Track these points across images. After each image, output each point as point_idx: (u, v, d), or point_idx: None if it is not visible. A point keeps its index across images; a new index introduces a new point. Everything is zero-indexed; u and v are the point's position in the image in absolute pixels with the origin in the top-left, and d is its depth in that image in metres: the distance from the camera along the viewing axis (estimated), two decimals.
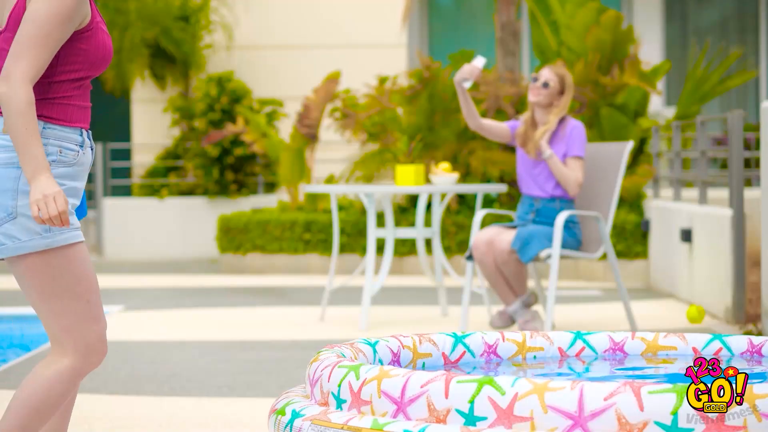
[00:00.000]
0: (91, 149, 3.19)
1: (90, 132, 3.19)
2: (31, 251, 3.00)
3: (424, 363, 3.70)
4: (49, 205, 2.90)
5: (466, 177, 10.98)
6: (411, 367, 3.67)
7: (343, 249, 11.22)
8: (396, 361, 3.61)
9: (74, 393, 3.22)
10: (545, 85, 6.89)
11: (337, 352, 3.34)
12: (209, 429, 4.71)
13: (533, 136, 6.94)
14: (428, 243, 10.66)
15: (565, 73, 6.93)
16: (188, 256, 13.45)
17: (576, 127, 6.92)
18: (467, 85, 6.77)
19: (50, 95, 3.06)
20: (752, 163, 11.74)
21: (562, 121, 6.97)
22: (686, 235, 8.57)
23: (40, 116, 3.04)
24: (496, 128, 7.04)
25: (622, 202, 10.67)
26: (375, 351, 3.55)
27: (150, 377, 5.87)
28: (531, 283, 8.25)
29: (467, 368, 3.68)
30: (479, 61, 6.81)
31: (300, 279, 11.02)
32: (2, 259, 3.06)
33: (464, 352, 3.76)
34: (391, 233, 7.81)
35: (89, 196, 14.60)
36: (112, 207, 13.60)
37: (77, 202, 3.12)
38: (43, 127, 3.04)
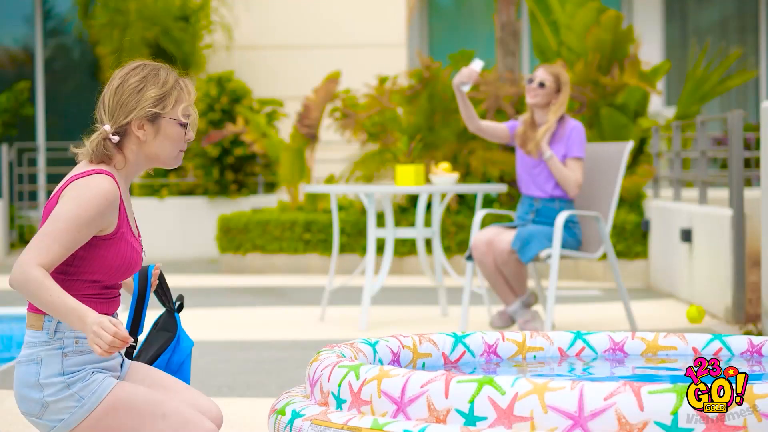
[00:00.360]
0: (138, 329, 3.32)
1: (115, 314, 3.27)
2: (79, 422, 3.14)
3: (424, 363, 3.70)
4: (102, 336, 2.97)
5: (466, 177, 10.98)
6: (411, 367, 3.66)
7: (343, 249, 11.22)
8: (396, 361, 3.61)
9: None
10: (541, 85, 6.89)
11: (337, 352, 3.34)
12: None
13: (533, 137, 6.94)
14: (428, 243, 10.66)
15: (560, 71, 6.93)
16: (188, 256, 13.45)
17: (576, 127, 6.92)
18: (466, 88, 6.77)
19: (66, 290, 3.13)
20: (752, 163, 11.74)
21: (561, 121, 6.96)
22: (686, 235, 8.57)
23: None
24: (494, 129, 7.04)
25: (622, 202, 10.66)
26: (375, 351, 3.55)
27: None
28: (531, 283, 8.25)
29: (467, 368, 3.68)
30: (477, 65, 6.81)
31: (300, 279, 11.02)
32: None
33: (464, 352, 3.76)
34: (391, 233, 7.81)
35: None
36: None
37: (116, 373, 3.25)
38: (58, 322, 3.14)
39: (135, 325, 3.40)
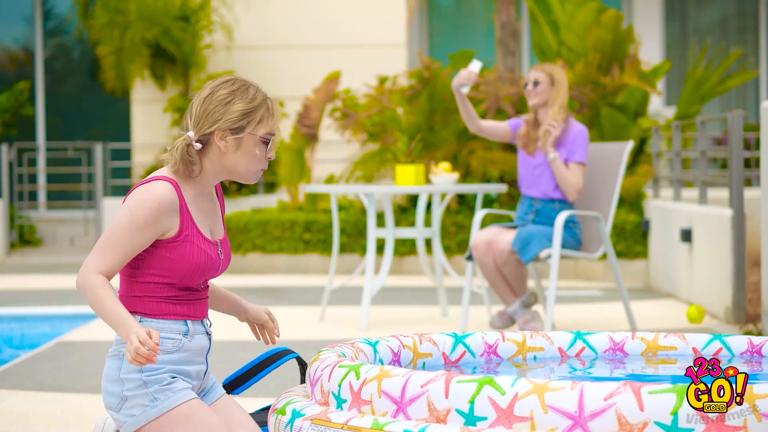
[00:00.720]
0: (206, 335, 3.38)
1: (204, 320, 3.36)
2: (147, 421, 3.25)
3: (424, 363, 3.70)
4: (133, 344, 3.08)
5: (466, 177, 10.99)
6: (411, 367, 3.67)
7: (343, 249, 11.22)
8: (396, 360, 3.61)
9: None
10: (535, 83, 6.90)
11: (337, 352, 3.35)
12: None
13: (536, 137, 6.94)
14: (428, 243, 10.66)
15: (551, 68, 6.95)
16: None
17: (580, 132, 6.92)
18: (465, 90, 6.77)
19: (137, 293, 3.28)
20: (752, 163, 11.74)
21: (565, 122, 6.96)
22: (686, 235, 8.57)
23: (133, 312, 3.27)
24: (495, 128, 7.04)
25: (622, 202, 10.67)
26: (375, 351, 3.56)
27: None
28: (531, 283, 8.25)
29: (467, 368, 3.68)
30: (475, 66, 6.81)
31: (300, 279, 11.02)
32: None
33: (464, 352, 3.77)
34: (391, 233, 7.81)
35: (89, 196, 14.61)
36: (112, 207, 13.59)
37: (197, 383, 3.37)
38: (139, 320, 3.27)
39: (240, 381, 3.66)
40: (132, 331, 3.07)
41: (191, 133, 3.27)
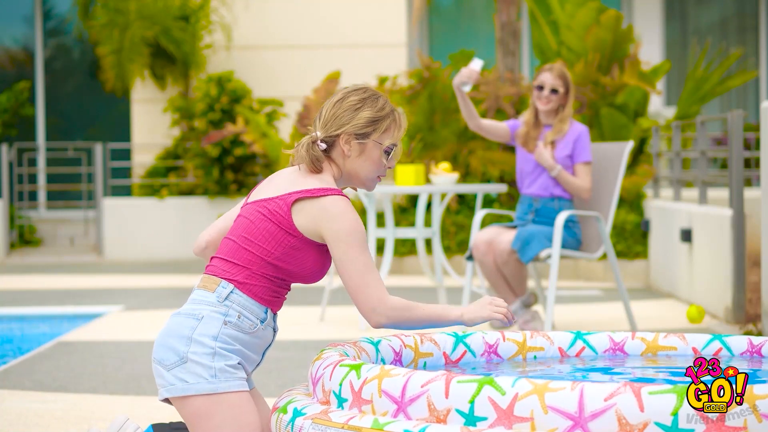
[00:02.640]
0: (274, 330, 3.44)
1: (276, 315, 3.45)
2: (197, 393, 3.26)
3: (425, 362, 3.70)
4: (498, 303, 3.30)
5: (466, 177, 10.99)
6: (413, 366, 3.67)
7: None
8: (398, 360, 3.62)
9: None
10: (554, 91, 6.88)
11: (340, 351, 3.35)
12: None
13: (535, 136, 6.95)
14: (428, 243, 10.66)
15: (565, 73, 6.94)
16: (188, 256, 13.44)
17: (582, 132, 6.92)
18: (467, 88, 6.77)
19: (250, 266, 3.35)
20: (752, 163, 11.74)
21: (560, 120, 6.97)
22: (686, 235, 8.57)
23: (233, 280, 3.34)
24: (495, 128, 7.04)
25: (622, 202, 10.67)
26: (378, 350, 3.56)
27: (150, 377, 5.87)
28: (531, 283, 8.25)
29: (468, 368, 3.68)
30: (476, 64, 6.81)
31: None
32: (168, 401, 3.34)
33: (465, 351, 3.77)
34: (391, 233, 7.81)
35: (89, 196, 14.62)
36: (112, 207, 13.60)
37: (249, 368, 3.41)
38: (231, 291, 3.33)
39: None
40: (472, 307, 3.29)
41: (317, 133, 3.38)
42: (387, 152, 3.41)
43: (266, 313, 3.39)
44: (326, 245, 3.36)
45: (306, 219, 3.31)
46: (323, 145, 3.37)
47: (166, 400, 3.37)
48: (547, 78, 6.90)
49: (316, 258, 3.38)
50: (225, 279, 3.33)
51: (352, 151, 3.38)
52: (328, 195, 3.32)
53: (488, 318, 3.29)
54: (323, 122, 3.40)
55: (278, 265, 3.35)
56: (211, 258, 3.42)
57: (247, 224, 3.36)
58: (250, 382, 3.50)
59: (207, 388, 3.26)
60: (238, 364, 3.33)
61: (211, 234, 3.58)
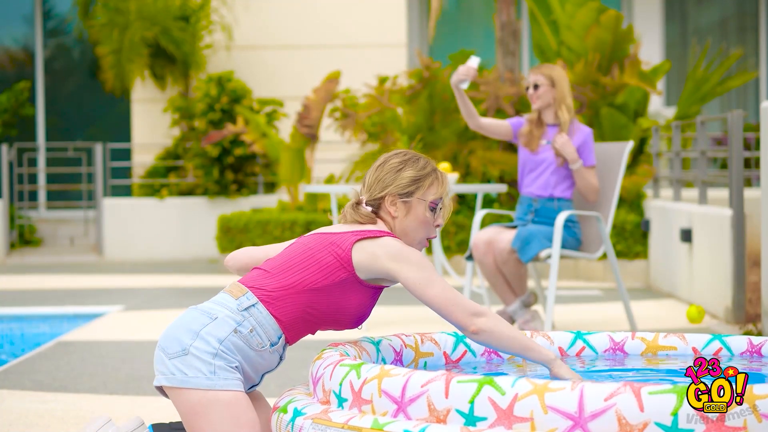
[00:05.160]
0: (280, 358, 3.47)
1: (287, 346, 3.47)
2: (194, 387, 3.29)
3: (426, 362, 3.70)
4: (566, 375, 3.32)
5: (466, 177, 10.98)
6: (413, 366, 3.67)
7: None
8: (399, 359, 3.62)
9: None
10: (536, 87, 6.90)
11: (340, 350, 3.35)
12: None
13: (539, 135, 6.94)
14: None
15: (550, 69, 6.95)
16: (188, 256, 13.44)
17: (588, 135, 6.92)
18: (464, 86, 6.76)
19: (288, 291, 3.38)
20: (752, 163, 11.75)
21: (570, 122, 6.96)
22: (686, 235, 8.57)
23: (262, 294, 3.38)
24: (496, 126, 7.03)
25: (622, 202, 10.67)
26: (378, 350, 3.56)
27: (150, 377, 5.87)
28: (531, 283, 8.25)
29: (468, 368, 3.68)
30: (474, 61, 6.80)
31: None
32: (162, 391, 3.38)
33: (465, 351, 3.77)
34: None
35: (89, 196, 14.62)
36: (112, 207, 13.60)
37: (249, 384, 3.44)
38: (254, 304, 3.37)
39: None
40: (560, 362, 3.31)
41: (362, 197, 3.50)
42: (432, 209, 3.48)
43: (279, 339, 3.41)
44: (373, 292, 3.42)
45: (365, 256, 3.37)
46: (368, 208, 3.47)
47: (160, 390, 3.39)
48: (530, 77, 6.95)
49: (358, 302, 3.42)
50: (253, 291, 3.38)
51: (398, 211, 3.46)
52: (387, 236, 3.40)
53: (569, 378, 3.29)
54: (367, 186, 3.50)
55: (316, 298, 3.38)
56: (253, 268, 3.49)
57: (303, 249, 3.42)
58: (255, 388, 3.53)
59: (205, 384, 3.28)
60: (238, 370, 3.36)
61: (243, 259, 3.68)
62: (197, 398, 3.29)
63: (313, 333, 3.47)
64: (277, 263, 3.43)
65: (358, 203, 3.49)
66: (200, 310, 3.38)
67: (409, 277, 3.33)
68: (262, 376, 3.47)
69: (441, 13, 11.99)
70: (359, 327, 3.52)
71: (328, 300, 3.39)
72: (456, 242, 11.01)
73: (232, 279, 11.12)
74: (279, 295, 3.37)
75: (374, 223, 3.47)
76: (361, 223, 3.48)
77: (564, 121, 6.90)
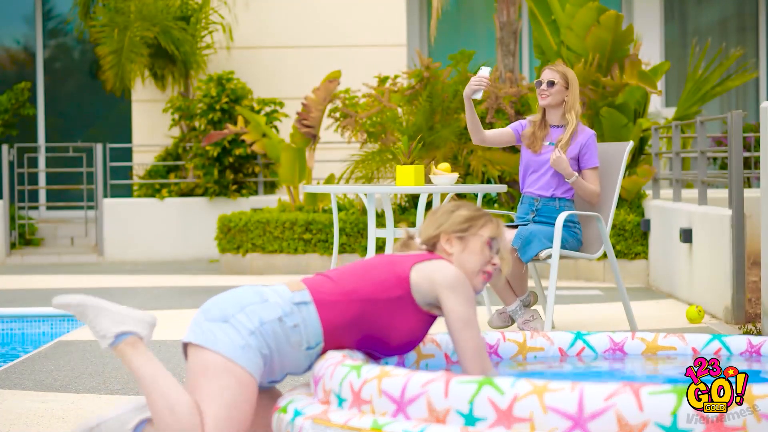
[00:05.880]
0: (309, 366, 3.46)
1: (319, 357, 3.47)
2: (218, 351, 3.30)
3: (427, 364, 3.71)
4: None
5: (466, 177, 10.98)
6: (415, 367, 3.67)
7: (343, 249, 11.22)
8: (400, 361, 3.62)
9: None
10: (551, 84, 6.89)
11: (342, 351, 3.35)
12: None
13: (542, 136, 6.94)
14: None
15: (565, 69, 6.94)
16: (188, 256, 13.44)
17: (591, 137, 6.92)
18: (478, 96, 6.75)
19: (343, 299, 3.41)
20: (752, 163, 11.75)
21: (567, 118, 6.96)
22: (686, 235, 8.57)
23: (318, 295, 3.41)
24: (500, 136, 7.04)
25: (622, 202, 10.66)
26: None
27: None
28: (531, 283, 8.25)
29: None
30: (485, 71, 6.78)
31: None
32: (184, 349, 3.39)
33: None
34: (391, 233, 7.81)
35: (89, 196, 14.62)
36: (112, 207, 13.60)
37: (262, 381, 3.44)
38: (307, 302, 3.40)
39: None
40: None
41: (417, 235, 3.57)
42: (490, 246, 3.53)
43: (317, 345, 3.41)
44: (427, 318, 3.44)
45: (423, 277, 3.40)
46: (423, 246, 3.54)
47: (184, 349, 3.39)
48: (546, 73, 6.93)
49: (410, 325, 3.42)
50: (310, 291, 3.41)
51: (454, 248, 3.52)
52: (446, 261, 3.46)
53: None
54: (422, 230, 3.58)
55: (369, 310, 3.39)
56: (316, 274, 3.54)
57: (364, 263, 3.48)
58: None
59: (230, 352, 3.28)
60: (265, 357, 3.35)
61: None
62: (214, 361, 3.28)
63: (357, 348, 3.46)
64: (339, 272, 3.48)
65: (410, 238, 3.55)
66: (254, 290, 3.41)
67: (455, 308, 3.36)
68: (285, 375, 3.47)
69: (441, 14, 11.97)
70: (405, 354, 3.54)
71: (380, 315, 3.40)
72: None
73: (232, 279, 11.12)
74: (333, 300, 3.39)
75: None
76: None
77: (573, 126, 6.89)
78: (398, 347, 3.45)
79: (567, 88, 6.91)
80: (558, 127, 6.97)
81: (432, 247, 3.53)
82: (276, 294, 3.39)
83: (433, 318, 3.47)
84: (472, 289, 3.41)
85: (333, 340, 3.41)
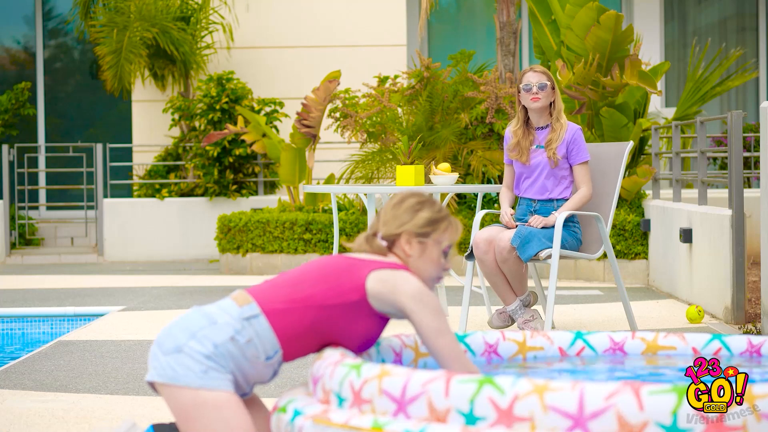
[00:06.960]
0: (274, 372, 3.47)
1: (282, 363, 3.47)
2: (183, 384, 3.30)
3: (425, 363, 3.71)
4: None
5: (466, 177, 10.99)
6: (413, 367, 3.67)
7: (343, 249, 11.22)
8: (398, 360, 3.62)
9: None
10: (542, 87, 6.91)
11: (341, 350, 3.35)
12: None
13: (527, 145, 6.96)
14: None
15: (546, 70, 7.01)
16: (188, 256, 13.44)
17: (577, 132, 6.94)
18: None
19: (295, 306, 3.39)
20: (752, 163, 11.75)
21: (558, 120, 6.98)
22: (686, 235, 8.57)
23: (266, 306, 3.38)
24: (512, 178, 7.15)
25: (622, 202, 10.67)
26: (378, 350, 3.56)
27: None
28: (531, 283, 8.26)
29: None
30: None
31: None
32: (153, 386, 3.38)
33: (465, 351, 3.77)
34: None
35: (89, 196, 14.62)
36: (112, 207, 13.60)
37: (242, 391, 3.42)
38: (256, 315, 3.37)
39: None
40: None
41: (379, 231, 3.51)
42: (445, 253, 3.53)
43: (275, 354, 3.40)
44: (381, 321, 3.43)
45: (383, 286, 3.38)
46: (384, 243, 3.49)
47: (152, 386, 3.39)
48: (532, 76, 6.95)
49: (365, 328, 3.42)
50: (258, 303, 3.38)
51: (413, 250, 3.49)
52: (405, 270, 3.43)
53: None
54: (383, 221, 3.52)
55: (323, 316, 3.37)
56: (264, 281, 3.49)
57: (318, 267, 3.44)
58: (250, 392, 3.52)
59: (195, 383, 3.28)
60: (232, 374, 3.36)
61: None
62: (188, 398, 3.29)
63: (314, 352, 3.45)
64: (289, 277, 3.44)
65: (374, 235, 3.52)
66: (202, 313, 3.39)
67: (424, 322, 3.35)
68: (252, 386, 3.47)
69: (441, 14, 11.97)
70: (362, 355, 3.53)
71: (335, 320, 3.39)
72: (456, 242, 11.00)
73: (231, 279, 11.12)
74: (286, 308, 3.37)
75: (385, 256, 3.50)
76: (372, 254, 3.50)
77: (564, 127, 6.92)
78: (354, 348, 3.46)
79: (553, 89, 6.97)
80: (543, 128, 7.00)
81: (391, 244, 3.51)
82: (224, 312, 3.37)
83: (387, 320, 3.47)
84: (435, 298, 3.41)
85: (291, 347, 3.41)
